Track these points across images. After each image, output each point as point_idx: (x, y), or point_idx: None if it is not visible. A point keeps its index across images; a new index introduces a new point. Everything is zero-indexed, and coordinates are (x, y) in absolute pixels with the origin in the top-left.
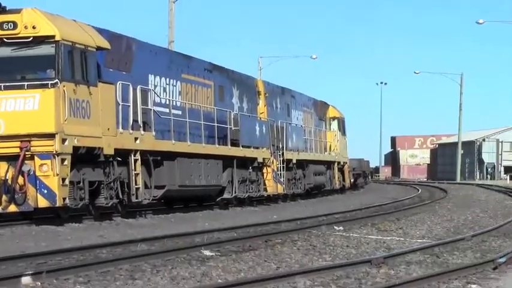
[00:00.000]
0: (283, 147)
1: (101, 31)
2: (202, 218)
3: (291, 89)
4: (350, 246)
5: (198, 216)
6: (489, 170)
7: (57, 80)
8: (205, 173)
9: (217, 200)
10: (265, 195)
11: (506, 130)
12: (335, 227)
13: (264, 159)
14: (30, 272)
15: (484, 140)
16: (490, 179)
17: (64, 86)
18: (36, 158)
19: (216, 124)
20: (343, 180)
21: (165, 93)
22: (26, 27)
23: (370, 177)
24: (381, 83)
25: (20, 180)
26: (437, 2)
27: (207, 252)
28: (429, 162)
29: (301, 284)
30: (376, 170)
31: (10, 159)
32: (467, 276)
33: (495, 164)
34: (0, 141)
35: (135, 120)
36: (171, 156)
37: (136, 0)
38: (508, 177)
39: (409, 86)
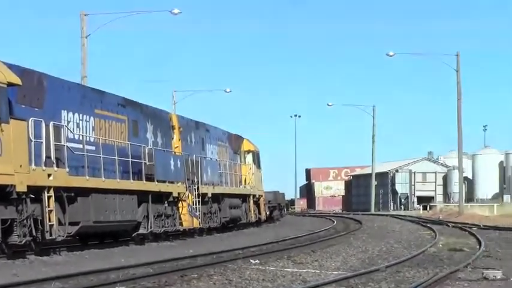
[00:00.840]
0: (198, 181)
1: (11, 66)
2: (117, 254)
3: (206, 123)
4: (266, 280)
5: (114, 252)
6: (403, 200)
7: None
8: (120, 208)
9: (133, 235)
10: (181, 230)
11: (418, 161)
12: (251, 260)
13: (179, 193)
14: None
15: (397, 170)
16: (404, 209)
17: None
18: None
19: (130, 159)
20: (259, 213)
21: (78, 129)
22: None
23: (285, 209)
24: (295, 115)
25: None
26: (347, 34)
27: None
28: (344, 194)
29: None
30: (292, 202)
31: None
32: None
33: (408, 194)
34: None
35: (48, 157)
36: (85, 192)
37: (50, 35)
38: (421, 207)
39: (322, 118)
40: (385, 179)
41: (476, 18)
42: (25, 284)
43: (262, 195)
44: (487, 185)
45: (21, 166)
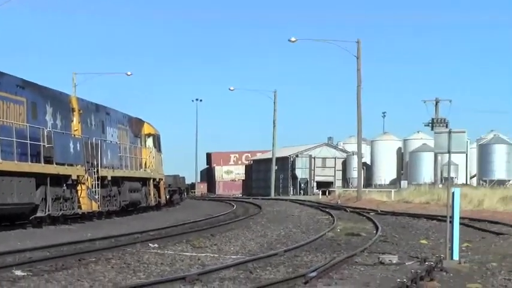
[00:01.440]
0: (98, 164)
1: None
2: (14, 237)
3: (106, 106)
4: (164, 264)
5: (10, 236)
6: (302, 185)
7: None
8: (17, 191)
9: (31, 218)
10: (80, 213)
11: (318, 146)
12: (150, 244)
13: (78, 176)
14: None
15: (297, 156)
16: (303, 194)
17: None
18: None
19: (28, 141)
20: (159, 196)
21: None
22: None
23: (186, 193)
24: (197, 99)
25: None
26: (250, 21)
27: (18, 273)
28: (244, 178)
29: None
30: (192, 186)
31: None
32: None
33: (308, 179)
34: None
35: None
36: None
37: None
38: (320, 192)
39: (224, 102)
40: (286, 164)
41: (379, 9)
42: None
43: (162, 179)
44: (385, 171)
45: None
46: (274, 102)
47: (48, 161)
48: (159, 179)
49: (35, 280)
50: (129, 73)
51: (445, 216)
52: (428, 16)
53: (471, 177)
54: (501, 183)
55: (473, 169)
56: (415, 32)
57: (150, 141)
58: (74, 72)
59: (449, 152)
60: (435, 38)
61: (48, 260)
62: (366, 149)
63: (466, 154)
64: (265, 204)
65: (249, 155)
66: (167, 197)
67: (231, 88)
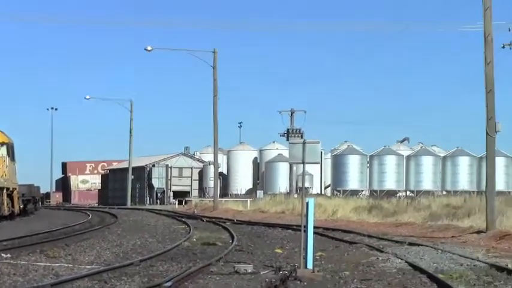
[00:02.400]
0: None
1: None
2: None
3: None
4: (17, 274)
5: None
6: (159, 195)
7: None
8: None
9: None
10: None
11: (175, 156)
12: (2, 254)
13: None
14: None
15: (153, 165)
16: (160, 203)
17: None
18: None
19: None
20: (12, 206)
21: None
22: None
23: (40, 203)
24: (52, 108)
25: None
26: (108, 28)
27: None
28: (100, 188)
29: None
30: (48, 195)
31: None
32: None
33: (164, 189)
34: None
35: None
36: None
37: None
38: (177, 202)
39: (80, 112)
40: (142, 174)
41: (235, 16)
42: None
43: (16, 188)
44: (242, 181)
45: None
46: (130, 111)
47: None
48: (13, 188)
49: None
50: None
51: (300, 226)
52: (285, 25)
53: (325, 187)
54: (354, 193)
55: (328, 179)
56: (270, 41)
57: (3, 150)
58: None
59: (303, 163)
60: (292, 48)
61: None
62: (222, 159)
63: (321, 164)
64: (121, 214)
65: (105, 164)
66: (21, 206)
67: (87, 97)
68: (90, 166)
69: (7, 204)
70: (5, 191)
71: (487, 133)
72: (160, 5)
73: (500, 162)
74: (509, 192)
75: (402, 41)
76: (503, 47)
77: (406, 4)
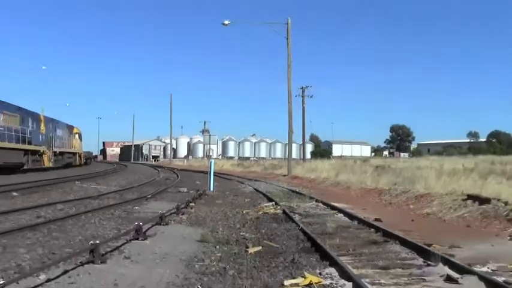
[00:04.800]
0: (52, 145)
1: None
2: (13, 177)
3: (55, 118)
4: (82, 190)
5: (11, 177)
6: (145, 157)
7: None
8: (14, 156)
9: (21, 169)
10: (44, 167)
11: (153, 140)
12: (76, 182)
13: (43, 150)
14: None
15: (143, 144)
16: (146, 161)
17: None
18: None
19: (20, 134)
20: (81, 160)
21: None
22: None
23: (92, 160)
24: (98, 118)
25: None
26: None
27: (14, 193)
28: (120, 153)
29: (60, 206)
30: (96, 156)
31: None
32: (132, 202)
33: (148, 154)
34: None
35: None
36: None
37: None
38: (153, 160)
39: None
40: (137, 147)
41: None
42: None
43: (82, 153)
44: (182, 152)
45: None
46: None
47: (30, 143)
48: (81, 152)
49: (22, 197)
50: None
51: (206, 171)
52: None
53: (218, 155)
54: (230, 158)
55: (220, 152)
56: None
57: (77, 136)
58: None
59: (209, 144)
60: None
61: (29, 188)
62: (175, 141)
63: (217, 145)
64: (128, 165)
65: (122, 143)
66: (84, 160)
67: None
68: (115, 143)
69: (79, 159)
70: (77, 154)
71: (289, 133)
72: None
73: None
74: (300, 159)
75: None
76: None
77: None
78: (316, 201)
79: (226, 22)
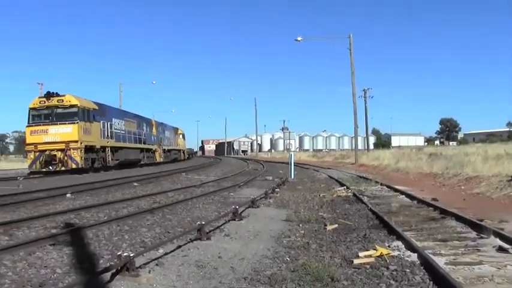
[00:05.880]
0: (162, 144)
1: (95, 102)
2: (134, 171)
3: (163, 122)
4: (187, 180)
5: (132, 170)
6: (235, 151)
7: (78, 121)
8: (134, 154)
9: (139, 164)
10: (156, 162)
11: (242, 137)
12: (183, 173)
13: (155, 149)
14: (70, 192)
15: (234, 141)
16: (236, 155)
17: (80, 123)
18: (71, 149)
19: (137, 136)
20: (185, 155)
21: (118, 125)
22: (67, 101)
23: (193, 155)
24: (197, 121)
25: (66, 157)
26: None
27: (135, 184)
28: (215, 149)
29: (171, 193)
30: (196, 152)
31: (62, 150)
32: (228, 189)
33: (238, 149)
34: (59, 144)
35: (107, 135)
36: (121, 148)
37: (104, 90)
38: (243, 154)
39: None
40: (230, 143)
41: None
42: (99, 182)
43: (185, 149)
44: (265, 147)
45: (97, 138)
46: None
47: (145, 143)
48: (184, 149)
49: (141, 187)
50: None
51: (286, 162)
52: None
53: (296, 148)
54: (307, 150)
55: (297, 145)
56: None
57: (181, 136)
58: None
59: (289, 139)
60: None
61: (145, 179)
62: (260, 138)
63: (295, 140)
64: (223, 159)
65: (217, 140)
66: (187, 156)
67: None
68: (211, 141)
69: (183, 155)
70: (181, 151)
71: (354, 128)
72: None
73: (359, 138)
74: (364, 149)
75: None
76: None
77: None
78: (381, 185)
79: (299, 38)
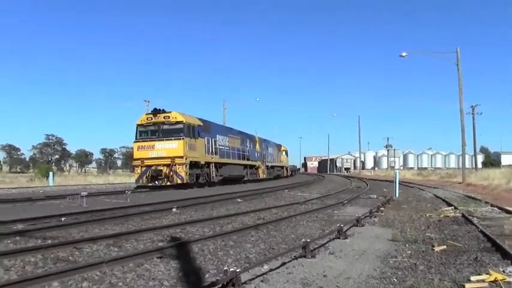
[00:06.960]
0: (265, 160)
1: (200, 119)
2: (237, 187)
3: (267, 138)
4: (290, 197)
5: (236, 186)
6: (338, 168)
7: (183, 137)
8: (237, 170)
9: (242, 180)
10: (260, 178)
11: (345, 154)
12: (285, 190)
13: (258, 165)
14: (175, 206)
15: (336, 158)
16: (339, 172)
17: (186, 139)
18: (177, 164)
19: (241, 153)
20: (288, 172)
21: (222, 141)
22: (173, 118)
23: (296, 172)
24: (300, 138)
25: (171, 173)
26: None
27: (239, 199)
28: (318, 166)
29: (275, 210)
30: (299, 169)
31: (168, 165)
32: (332, 207)
33: (340, 166)
34: (165, 159)
35: (212, 151)
36: (225, 164)
37: (208, 106)
38: (346, 171)
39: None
40: (333, 160)
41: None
42: (208, 197)
43: (288, 166)
44: (369, 164)
45: (202, 154)
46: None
47: (248, 159)
48: (287, 166)
49: (245, 202)
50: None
51: (391, 181)
52: None
53: (400, 166)
54: (411, 168)
55: (401, 163)
56: None
57: (284, 152)
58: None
59: (394, 157)
60: None
61: (249, 195)
62: (363, 155)
63: (402, 158)
64: (325, 176)
65: (319, 157)
66: (290, 173)
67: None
68: (314, 158)
69: (286, 172)
70: (285, 167)
71: (462, 145)
72: None
73: (466, 156)
74: (472, 168)
75: None
76: None
77: None
78: (491, 205)
79: (403, 54)
